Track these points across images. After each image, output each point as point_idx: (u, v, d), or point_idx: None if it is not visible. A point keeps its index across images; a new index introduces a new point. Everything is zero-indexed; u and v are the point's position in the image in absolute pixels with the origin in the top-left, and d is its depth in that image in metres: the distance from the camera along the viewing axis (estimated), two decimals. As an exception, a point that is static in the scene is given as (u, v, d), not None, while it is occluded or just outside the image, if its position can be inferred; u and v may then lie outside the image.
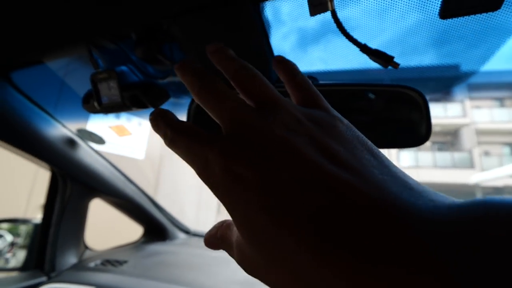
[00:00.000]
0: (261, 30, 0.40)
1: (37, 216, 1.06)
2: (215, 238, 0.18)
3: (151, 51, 0.44)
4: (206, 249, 1.05)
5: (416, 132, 0.32)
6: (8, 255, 1.04)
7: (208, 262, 1.05)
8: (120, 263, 0.93)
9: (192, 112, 0.42)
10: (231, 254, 0.17)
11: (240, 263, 0.15)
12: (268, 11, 0.40)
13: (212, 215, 4.05)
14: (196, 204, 3.64)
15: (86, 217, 0.99)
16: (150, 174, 2.71)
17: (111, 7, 0.41)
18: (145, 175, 2.64)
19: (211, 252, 1.21)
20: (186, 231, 1.41)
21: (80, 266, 0.91)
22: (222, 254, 1.16)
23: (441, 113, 12.34)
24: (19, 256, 1.00)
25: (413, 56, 0.45)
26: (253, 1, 0.37)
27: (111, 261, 0.93)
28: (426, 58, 0.47)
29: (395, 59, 0.31)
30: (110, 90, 0.52)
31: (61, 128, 0.80)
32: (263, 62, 0.43)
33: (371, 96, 0.38)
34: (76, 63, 0.71)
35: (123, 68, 0.51)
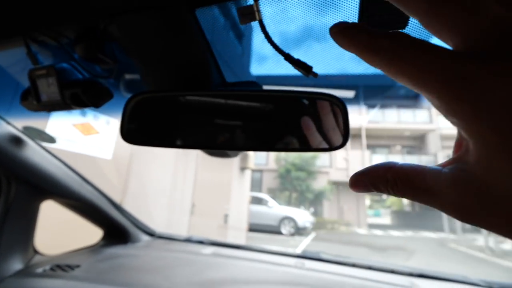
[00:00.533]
0: (200, 35, 0.41)
1: None
2: (373, 177, 0.16)
3: (91, 49, 0.43)
4: (171, 251, 1.04)
5: (333, 137, 0.35)
6: None
7: (170, 264, 1.04)
8: (72, 267, 0.88)
9: (129, 112, 0.41)
10: (412, 196, 0.15)
11: (458, 201, 0.14)
12: (206, 17, 0.41)
13: (185, 218, 3.98)
14: (167, 206, 3.55)
15: (36, 220, 0.93)
16: (117, 176, 2.61)
17: (47, 1, 0.40)
18: (113, 176, 2.54)
19: (175, 253, 1.19)
20: (151, 234, 1.37)
21: (26, 272, 0.85)
22: (186, 256, 1.15)
23: (410, 119, 13.15)
24: None
25: (347, 63, 0.48)
26: (188, 6, 0.37)
27: (61, 266, 0.88)
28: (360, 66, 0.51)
29: (314, 69, 0.33)
30: (49, 87, 0.50)
31: (4, 125, 0.75)
32: (204, 66, 0.44)
33: (305, 101, 0.41)
34: (20, 57, 0.67)
35: (64, 65, 0.50)
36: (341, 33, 0.16)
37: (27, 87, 0.55)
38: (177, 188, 3.68)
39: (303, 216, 9.89)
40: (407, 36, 0.14)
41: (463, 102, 0.13)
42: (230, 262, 1.15)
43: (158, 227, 1.50)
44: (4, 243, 0.84)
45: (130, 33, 0.40)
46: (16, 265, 0.85)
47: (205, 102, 0.44)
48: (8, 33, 0.46)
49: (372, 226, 13.49)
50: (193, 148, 0.43)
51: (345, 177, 12.27)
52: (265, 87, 0.47)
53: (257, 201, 9.92)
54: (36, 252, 0.96)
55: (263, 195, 10.86)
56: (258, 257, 1.24)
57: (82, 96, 0.48)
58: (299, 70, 0.34)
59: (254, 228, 8.01)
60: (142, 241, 1.30)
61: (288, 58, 0.34)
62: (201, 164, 4.42)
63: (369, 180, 0.17)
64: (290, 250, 1.37)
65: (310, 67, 0.33)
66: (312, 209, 12.71)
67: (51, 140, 0.82)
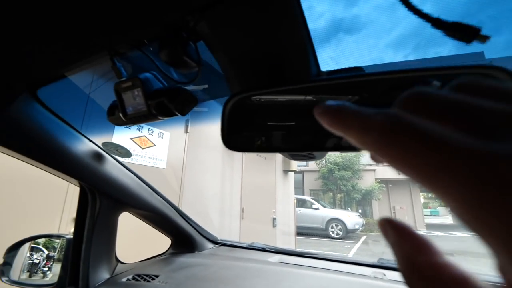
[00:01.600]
0: (302, 19, 0.35)
1: (70, 231, 1.07)
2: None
3: (176, 53, 0.40)
4: (237, 259, 1.00)
5: None
6: (45, 268, 1.08)
7: (242, 274, 1.00)
8: (152, 277, 0.90)
9: (228, 113, 0.37)
10: None
11: None
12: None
13: (236, 223, 4.02)
14: (219, 212, 3.63)
15: (116, 231, 0.98)
16: (174, 184, 2.74)
17: (130, 8, 0.38)
18: (170, 185, 2.67)
19: (242, 262, 1.16)
20: (214, 241, 1.37)
21: (113, 281, 0.89)
22: (254, 265, 1.11)
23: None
24: (55, 269, 1.03)
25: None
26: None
27: (142, 276, 0.91)
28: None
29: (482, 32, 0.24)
30: (135, 99, 0.49)
31: (87, 143, 0.79)
32: (303, 54, 0.38)
33: (436, 83, 0.32)
34: (99, 76, 0.70)
35: (147, 74, 0.48)
36: (325, 113, 0.14)
37: (113, 101, 0.55)
38: (226, 193, 3.76)
39: (351, 218, 9.35)
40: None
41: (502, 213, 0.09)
42: (300, 271, 1.08)
43: (213, 232, 1.50)
44: (93, 254, 0.89)
45: (223, 27, 0.36)
46: (104, 274, 0.90)
47: (302, 99, 0.38)
48: (94, 50, 0.46)
49: (430, 226, 12.17)
50: (296, 150, 0.37)
51: (395, 174, 11.29)
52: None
53: (301, 203, 9.68)
54: (118, 261, 1.01)
55: (306, 197, 10.56)
56: (329, 266, 1.14)
57: (168, 104, 0.45)
58: (456, 37, 0.25)
59: (300, 232, 7.82)
60: (207, 249, 1.30)
61: (439, 23, 0.25)
62: (246, 168, 4.45)
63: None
64: (341, 254, 1.24)
65: (478, 29, 0.24)
66: (360, 210, 11.97)
67: (127, 154, 0.85)
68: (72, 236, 0.98)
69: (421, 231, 10.81)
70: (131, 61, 0.53)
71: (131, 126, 0.55)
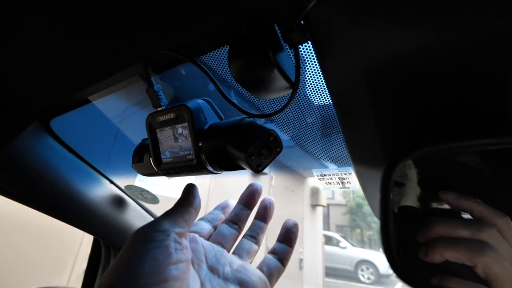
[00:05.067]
0: None
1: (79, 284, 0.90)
2: None
3: (265, 61, 0.22)
4: None
5: None
6: None
7: None
8: None
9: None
10: None
11: None
12: None
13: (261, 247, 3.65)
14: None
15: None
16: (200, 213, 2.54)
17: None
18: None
19: None
20: None
21: None
22: None
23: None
24: None
25: None
26: None
27: None
28: None
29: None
30: (177, 141, 0.31)
31: (108, 185, 0.62)
32: None
33: None
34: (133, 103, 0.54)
35: (199, 102, 0.30)
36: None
37: (141, 142, 0.37)
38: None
39: (385, 261, 8.33)
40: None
41: None
42: None
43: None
44: None
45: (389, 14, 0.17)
46: None
47: None
48: (127, 61, 0.29)
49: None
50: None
51: (434, 213, 10.13)
52: None
53: (326, 240, 8.87)
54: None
55: (333, 234, 9.73)
56: None
57: (234, 152, 0.26)
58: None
59: (327, 272, 7.05)
60: None
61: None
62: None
63: None
64: None
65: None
66: (394, 252, 10.72)
67: (154, 200, 0.67)
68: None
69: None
70: (178, 79, 0.36)
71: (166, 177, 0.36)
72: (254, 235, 0.31)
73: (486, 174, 0.23)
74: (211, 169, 0.29)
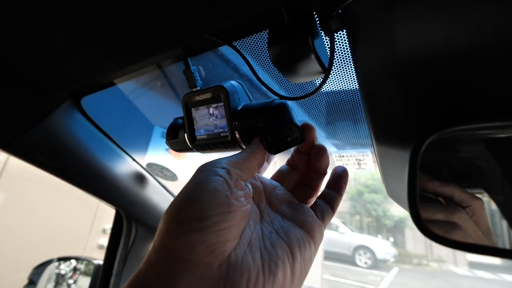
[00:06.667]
0: None
1: (95, 257, 0.98)
2: None
3: (306, 45, 0.24)
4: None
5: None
6: (71, 281, 1.01)
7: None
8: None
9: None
10: None
11: None
12: None
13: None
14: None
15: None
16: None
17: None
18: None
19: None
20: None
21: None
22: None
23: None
24: (80, 283, 0.96)
25: None
26: None
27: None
28: None
29: None
30: (212, 119, 0.33)
31: (130, 162, 0.66)
32: None
33: None
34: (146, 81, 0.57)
35: (234, 83, 0.32)
36: None
37: (174, 120, 0.40)
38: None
39: (382, 247, 8.54)
40: None
41: None
42: None
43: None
44: (122, 285, 0.76)
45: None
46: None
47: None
48: (171, 43, 0.31)
49: (474, 265, 10.73)
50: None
51: (434, 202, 10.21)
52: None
53: (326, 225, 9.05)
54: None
55: (332, 219, 9.90)
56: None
57: (265, 132, 0.29)
58: None
59: (326, 256, 7.27)
60: None
61: None
62: (269, 173, 4.20)
63: None
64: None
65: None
66: (391, 239, 10.96)
67: (173, 178, 0.71)
68: (100, 263, 0.86)
69: (463, 269, 9.56)
70: (213, 62, 0.38)
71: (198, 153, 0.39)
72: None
73: (490, 165, 0.26)
74: (244, 146, 0.32)
